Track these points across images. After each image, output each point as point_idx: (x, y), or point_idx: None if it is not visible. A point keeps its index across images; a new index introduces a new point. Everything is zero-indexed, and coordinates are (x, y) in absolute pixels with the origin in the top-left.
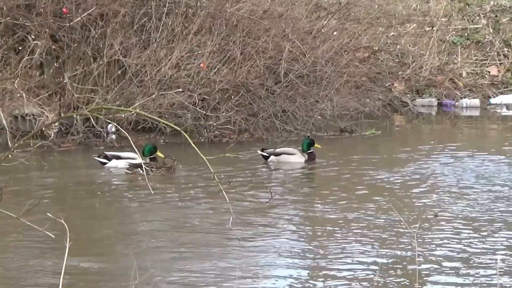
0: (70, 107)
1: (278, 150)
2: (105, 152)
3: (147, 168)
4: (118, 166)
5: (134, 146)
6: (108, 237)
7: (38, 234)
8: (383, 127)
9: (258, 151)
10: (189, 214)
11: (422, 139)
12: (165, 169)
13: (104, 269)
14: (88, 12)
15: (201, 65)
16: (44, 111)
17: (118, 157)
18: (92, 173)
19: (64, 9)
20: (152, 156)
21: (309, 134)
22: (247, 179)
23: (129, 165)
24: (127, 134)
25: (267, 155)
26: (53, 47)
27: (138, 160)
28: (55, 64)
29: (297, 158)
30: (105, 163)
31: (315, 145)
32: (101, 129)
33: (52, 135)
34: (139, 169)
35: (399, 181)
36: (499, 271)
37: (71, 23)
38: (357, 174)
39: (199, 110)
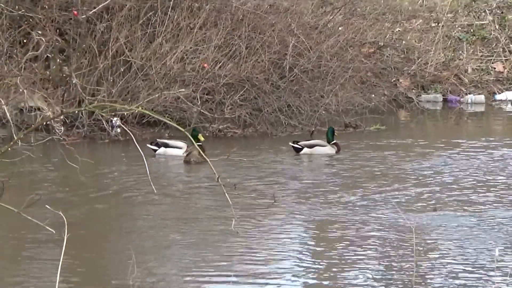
0: (75, 100)
1: (311, 142)
2: (156, 139)
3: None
4: (167, 153)
5: (136, 142)
6: (108, 230)
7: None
8: (388, 123)
9: (290, 143)
10: (191, 209)
11: (427, 134)
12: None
13: (103, 262)
14: (97, 8)
15: (204, 65)
16: (48, 104)
17: (166, 145)
18: (97, 167)
19: (74, 12)
20: (199, 144)
21: (313, 129)
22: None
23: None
24: (128, 131)
25: (300, 147)
26: (59, 40)
27: (184, 148)
28: (58, 58)
29: (329, 150)
30: (156, 150)
31: (335, 133)
32: (106, 123)
33: (62, 129)
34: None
35: (402, 175)
36: (497, 265)
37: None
38: (361, 169)
39: (203, 106)
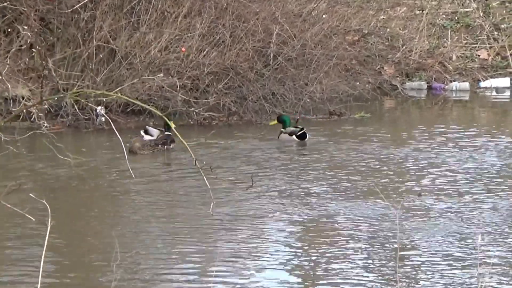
0: (58, 89)
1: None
2: (147, 126)
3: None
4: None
5: (116, 131)
6: (91, 219)
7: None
8: (372, 110)
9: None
10: (174, 197)
11: (412, 122)
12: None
13: (86, 250)
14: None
15: (182, 49)
16: (32, 93)
17: (146, 132)
18: (80, 155)
19: None
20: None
21: (298, 117)
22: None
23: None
24: (108, 119)
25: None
26: (42, 30)
27: (155, 136)
28: (38, 47)
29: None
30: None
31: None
32: (90, 112)
33: (44, 120)
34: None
35: (385, 162)
36: (480, 250)
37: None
38: (344, 155)
39: (187, 94)
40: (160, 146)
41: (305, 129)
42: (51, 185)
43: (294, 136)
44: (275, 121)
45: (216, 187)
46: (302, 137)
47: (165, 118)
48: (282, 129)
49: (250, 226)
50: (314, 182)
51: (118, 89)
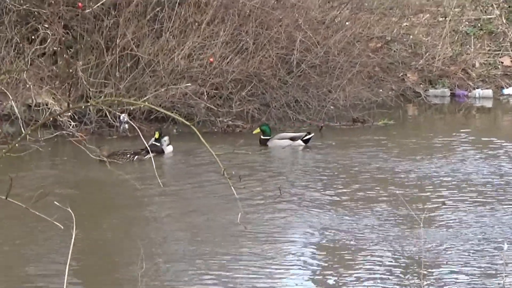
0: (82, 96)
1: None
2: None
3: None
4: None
5: (143, 138)
6: (116, 227)
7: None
8: (396, 117)
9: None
10: (198, 204)
11: (435, 129)
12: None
13: (111, 258)
14: (102, 1)
15: (211, 59)
16: (56, 100)
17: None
18: (103, 163)
19: (79, 4)
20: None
21: (322, 124)
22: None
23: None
24: (135, 126)
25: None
26: (65, 37)
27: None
28: (65, 54)
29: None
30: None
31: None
32: (114, 119)
33: (72, 123)
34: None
35: (409, 170)
36: (506, 261)
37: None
38: (368, 163)
39: (211, 101)
40: (129, 156)
41: (312, 134)
42: (77, 192)
43: (300, 141)
44: (258, 130)
45: (242, 196)
46: (306, 141)
47: (193, 127)
48: (264, 137)
49: (273, 237)
50: (338, 190)
51: (146, 98)
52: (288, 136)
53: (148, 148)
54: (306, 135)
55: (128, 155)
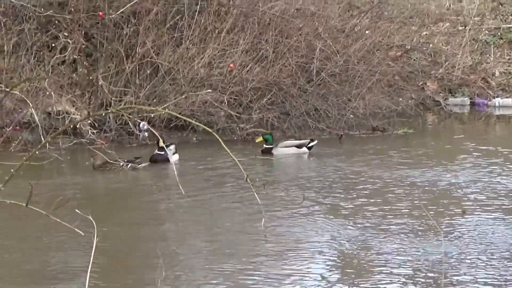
0: (102, 104)
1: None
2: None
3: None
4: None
5: (164, 145)
6: (136, 233)
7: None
8: (415, 126)
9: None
10: (220, 212)
11: (454, 138)
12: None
13: (131, 265)
14: (123, 8)
15: (231, 65)
16: (76, 108)
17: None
18: (124, 171)
19: (100, 13)
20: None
21: (342, 133)
22: (280, 177)
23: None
24: (156, 133)
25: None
26: (86, 44)
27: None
28: (85, 62)
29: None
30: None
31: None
32: (134, 127)
33: (89, 132)
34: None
35: (429, 178)
36: None
37: (105, 19)
38: (388, 171)
39: (231, 109)
40: (123, 164)
41: (315, 141)
42: (97, 198)
43: (305, 148)
44: (261, 139)
45: (265, 202)
46: (310, 148)
47: (214, 134)
48: (267, 146)
49: (294, 245)
50: (359, 199)
51: (166, 105)
52: (294, 144)
53: (169, 155)
54: (309, 142)
55: (122, 164)
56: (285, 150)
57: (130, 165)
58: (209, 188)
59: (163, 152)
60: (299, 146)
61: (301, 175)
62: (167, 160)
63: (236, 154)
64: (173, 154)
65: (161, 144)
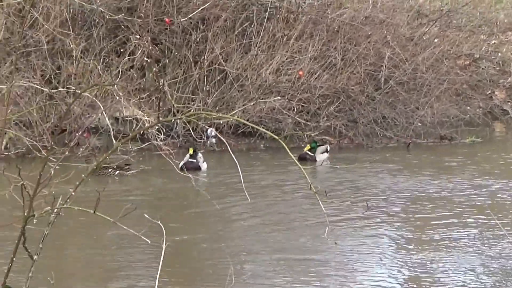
0: (170, 110)
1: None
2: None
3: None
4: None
5: (231, 152)
6: (204, 241)
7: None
8: (483, 135)
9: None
10: (288, 222)
11: None
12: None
13: (200, 272)
14: (192, 14)
15: (300, 72)
16: (144, 113)
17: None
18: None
19: (166, 20)
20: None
21: (410, 141)
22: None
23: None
24: (225, 140)
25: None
26: (154, 50)
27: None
28: (154, 68)
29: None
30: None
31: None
32: (202, 133)
33: (159, 138)
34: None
35: (499, 187)
36: None
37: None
38: (458, 180)
39: (298, 116)
40: (111, 170)
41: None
42: (166, 205)
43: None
44: (309, 146)
45: (330, 211)
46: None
47: (281, 141)
48: (310, 152)
49: (361, 253)
50: (423, 208)
51: (234, 112)
52: (324, 149)
53: (200, 163)
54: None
55: (110, 170)
56: (322, 156)
57: (118, 171)
58: (273, 193)
59: (194, 160)
60: (327, 151)
61: (359, 183)
62: (198, 168)
63: (301, 162)
64: (203, 162)
65: (191, 151)
